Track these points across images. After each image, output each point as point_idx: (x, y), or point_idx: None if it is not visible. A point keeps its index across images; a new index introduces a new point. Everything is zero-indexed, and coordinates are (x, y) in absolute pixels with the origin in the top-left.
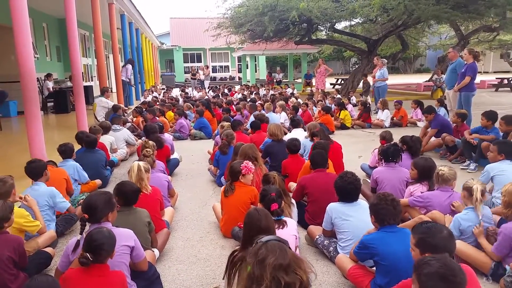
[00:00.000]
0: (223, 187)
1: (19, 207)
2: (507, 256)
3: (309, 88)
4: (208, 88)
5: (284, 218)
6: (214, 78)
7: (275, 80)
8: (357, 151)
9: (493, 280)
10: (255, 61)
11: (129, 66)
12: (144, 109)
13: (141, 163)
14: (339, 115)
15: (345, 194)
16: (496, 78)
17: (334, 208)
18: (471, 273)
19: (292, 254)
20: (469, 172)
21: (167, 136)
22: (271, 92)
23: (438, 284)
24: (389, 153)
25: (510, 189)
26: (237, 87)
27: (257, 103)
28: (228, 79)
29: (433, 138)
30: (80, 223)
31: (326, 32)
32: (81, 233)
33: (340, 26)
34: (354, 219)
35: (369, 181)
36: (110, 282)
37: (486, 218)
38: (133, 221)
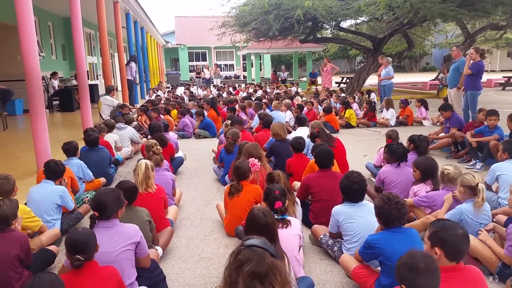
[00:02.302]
0: (227, 186)
1: (25, 203)
2: None
3: (314, 87)
4: (213, 86)
5: (288, 218)
6: (220, 77)
7: (280, 79)
8: (362, 150)
9: (500, 280)
10: (260, 60)
11: (133, 64)
12: (149, 108)
13: (148, 162)
14: (344, 114)
15: (350, 194)
16: (503, 77)
17: (340, 211)
18: (479, 274)
19: (271, 264)
20: (475, 171)
21: (172, 135)
22: (276, 90)
23: (407, 274)
24: (397, 155)
25: None
26: (238, 86)
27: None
28: (233, 78)
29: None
30: (90, 220)
31: (331, 30)
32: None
33: (345, 24)
34: (360, 220)
35: (374, 180)
36: (104, 276)
37: (485, 212)
38: (132, 220)
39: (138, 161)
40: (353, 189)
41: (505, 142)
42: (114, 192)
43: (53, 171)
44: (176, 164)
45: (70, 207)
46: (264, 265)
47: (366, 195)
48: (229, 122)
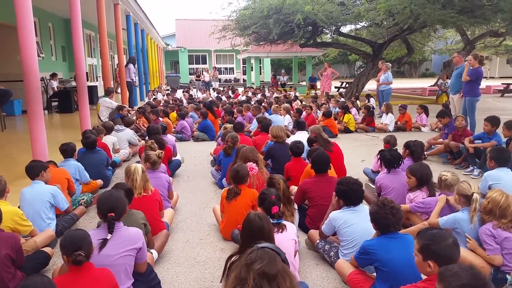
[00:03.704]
0: (224, 189)
1: (18, 207)
2: (503, 255)
3: (313, 91)
4: (213, 89)
5: (284, 222)
6: (219, 80)
7: (279, 83)
8: (360, 155)
9: (495, 286)
10: (260, 64)
11: (131, 66)
12: (147, 110)
13: (141, 165)
14: (343, 118)
15: (351, 196)
16: (502, 84)
17: (338, 217)
18: None
19: (282, 268)
20: (472, 178)
21: (170, 137)
22: (275, 94)
23: None
24: (385, 161)
25: (495, 198)
26: (240, 90)
27: (261, 105)
28: (232, 81)
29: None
30: (109, 223)
31: (331, 35)
32: (110, 232)
33: (345, 29)
34: (357, 226)
35: (372, 185)
36: (99, 278)
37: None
38: (127, 223)
39: (129, 166)
40: (353, 189)
41: (491, 150)
42: (120, 192)
43: (32, 169)
44: (173, 167)
45: (63, 208)
46: (274, 267)
47: (364, 200)
48: (228, 125)
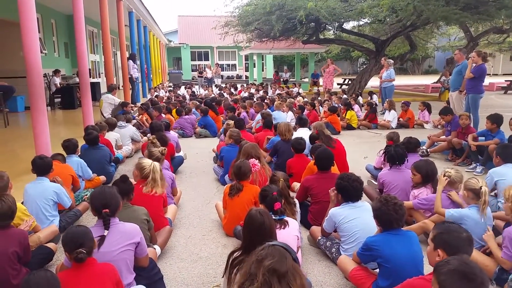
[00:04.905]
0: (226, 186)
1: (22, 203)
2: None
3: (315, 88)
4: (215, 86)
5: (286, 218)
6: (221, 77)
7: (282, 79)
8: (362, 151)
9: (497, 285)
10: (262, 60)
11: (130, 62)
12: (149, 106)
13: (159, 164)
14: (346, 115)
15: (350, 192)
16: (506, 81)
17: (338, 213)
18: None
19: (292, 266)
20: (475, 174)
21: (172, 134)
22: (278, 91)
23: (459, 282)
24: (392, 157)
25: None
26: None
27: (264, 102)
28: (235, 78)
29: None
30: (104, 219)
31: (334, 31)
32: (107, 229)
33: (348, 26)
34: (357, 221)
35: (374, 182)
36: (102, 273)
37: (488, 219)
38: (129, 219)
39: (146, 162)
40: (353, 186)
41: (498, 146)
42: (113, 189)
43: (40, 167)
44: (176, 163)
45: (66, 205)
46: (285, 264)
47: (366, 197)
48: (230, 122)
